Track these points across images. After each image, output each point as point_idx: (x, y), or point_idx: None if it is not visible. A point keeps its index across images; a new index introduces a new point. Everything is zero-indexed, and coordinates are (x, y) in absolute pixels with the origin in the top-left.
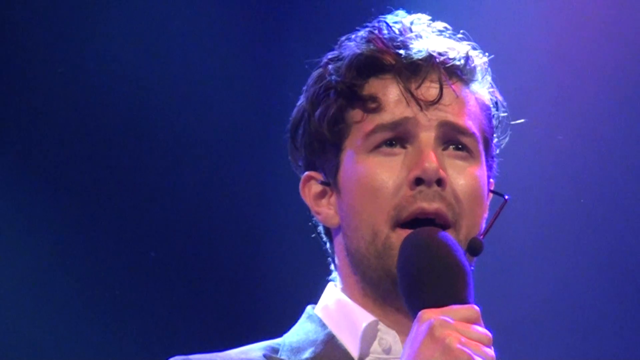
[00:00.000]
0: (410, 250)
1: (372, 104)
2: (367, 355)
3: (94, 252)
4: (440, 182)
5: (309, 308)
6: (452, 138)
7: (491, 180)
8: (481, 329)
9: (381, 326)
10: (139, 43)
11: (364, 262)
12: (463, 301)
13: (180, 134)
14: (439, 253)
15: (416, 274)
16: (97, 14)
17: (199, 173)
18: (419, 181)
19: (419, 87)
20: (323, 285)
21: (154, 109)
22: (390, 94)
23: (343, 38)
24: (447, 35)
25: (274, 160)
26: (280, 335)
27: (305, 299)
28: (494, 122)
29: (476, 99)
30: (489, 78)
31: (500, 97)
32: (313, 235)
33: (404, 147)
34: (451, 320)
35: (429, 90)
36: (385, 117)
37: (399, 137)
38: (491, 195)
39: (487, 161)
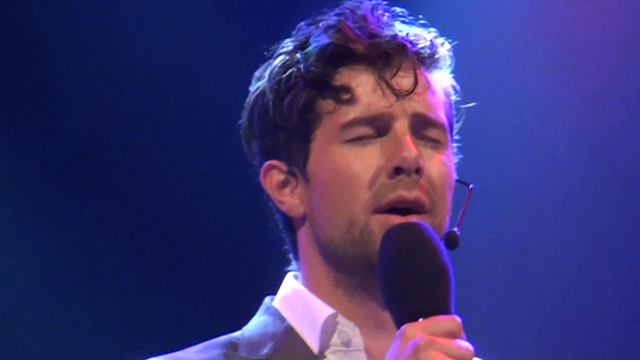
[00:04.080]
0: (393, 249)
1: (345, 95)
2: (327, 348)
3: (88, 251)
4: (419, 170)
5: (267, 300)
6: (424, 129)
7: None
8: (464, 344)
9: (340, 318)
10: (139, 42)
11: (338, 252)
12: (447, 310)
13: (176, 135)
14: (424, 255)
15: (399, 280)
16: (97, 12)
17: (194, 172)
18: (398, 170)
19: (393, 76)
20: (282, 276)
21: (151, 106)
22: (364, 84)
23: (302, 24)
24: (408, 21)
25: None
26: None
27: (266, 289)
28: (453, 106)
29: (442, 86)
30: (450, 64)
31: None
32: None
33: (379, 136)
34: (436, 339)
35: (404, 79)
36: (362, 109)
37: (374, 129)
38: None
39: (453, 147)
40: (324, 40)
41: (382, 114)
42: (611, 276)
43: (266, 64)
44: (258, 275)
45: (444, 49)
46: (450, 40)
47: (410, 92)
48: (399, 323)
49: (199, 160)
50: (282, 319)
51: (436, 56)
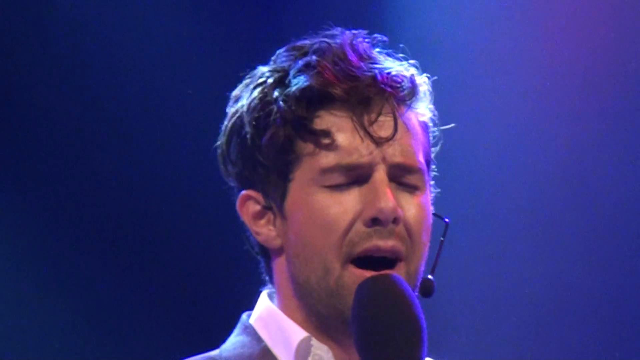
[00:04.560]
0: (366, 303)
1: (325, 140)
2: None
3: (83, 252)
4: (396, 220)
5: (244, 317)
6: (403, 177)
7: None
8: None
9: (314, 342)
10: (138, 43)
11: (313, 296)
12: None
13: (173, 140)
14: (396, 309)
15: (373, 334)
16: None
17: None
18: (375, 220)
19: (373, 122)
20: (257, 289)
21: (149, 103)
22: (344, 130)
23: (281, 51)
24: (387, 51)
25: None
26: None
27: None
28: (431, 137)
29: (420, 121)
30: (429, 96)
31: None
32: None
33: (358, 183)
34: None
35: (383, 125)
36: (341, 156)
37: (353, 176)
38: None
39: (430, 181)
40: (304, 82)
41: (361, 163)
42: (606, 278)
43: (243, 85)
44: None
45: (424, 82)
46: (428, 74)
47: (389, 139)
48: None
49: (190, 161)
50: (259, 339)
51: (417, 93)
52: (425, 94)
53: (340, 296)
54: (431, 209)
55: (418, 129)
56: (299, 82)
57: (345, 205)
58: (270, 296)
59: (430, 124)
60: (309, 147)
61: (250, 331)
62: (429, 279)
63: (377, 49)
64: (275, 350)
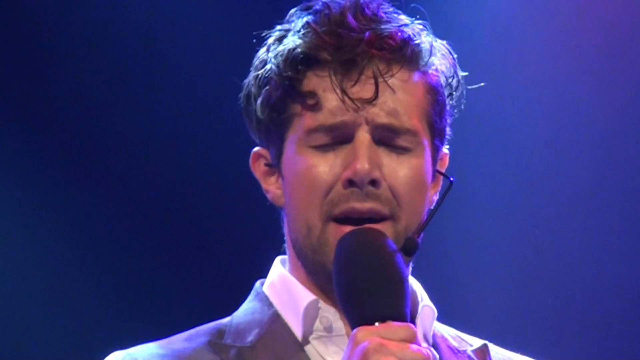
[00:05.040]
0: (344, 256)
1: (310, 101)
2: (310, 333)
3: (86, 247)
4: (374, 182)
5: (257, 284)
6: (389, 139)
7: (444, 153)
8: (416, 348)
9: (321, 304)
10: (138, 42)
11: (302, 254)
12: (400, 314)
13: (179, 133)
14: (376, 262)
15: (352, 285)
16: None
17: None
18: (351, 182)
19: (354, 84)
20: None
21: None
22: (328, 92)
23: (295, 10)
24: (391, 14)
25: None
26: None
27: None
28: (448, 100)
29: (421, 84)
30: (436, 58)
31: (449, 69)
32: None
33: (342, 144)
34: (386, 343)
35: (365, 87)
36: (325, 117)
37: (336, 137)
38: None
39: (434, 143)
40: (293, 43)
41: (344, 123)
42: (611, 275)
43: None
44: (253, 261)
45: (425, 42)
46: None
47: (370, 101)
48: (354, 328)
49: (193, 152)
50: (270, 305)
51: (409, 54)
52: (426, 54)
53: (323, 252)
54: (430, 168)
55: (414, 91)
56: (288, 43)
57: (327, 165)
58: (283, 262)
59: (441, 85)
60: (297, 107)
61: (262, 297)
62: (412, 238)
63: (391, 9)
64: (285, 314)
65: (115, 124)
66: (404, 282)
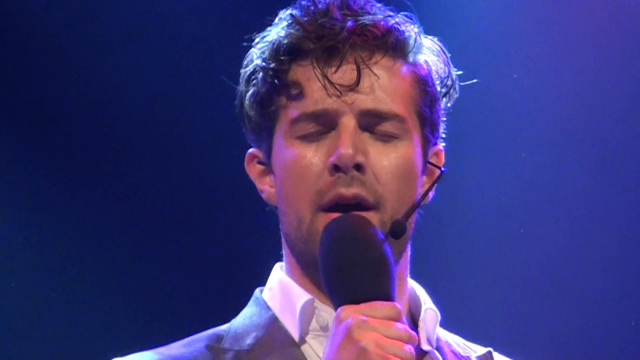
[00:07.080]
0: (329, 240)
1: (294, 91)
2: (307, 333)
3: (87, 249)
4: (359, 167)
5: (256, 291)
6: (374, 124)
7: (439, 149)
8: (401, 326)
9: (317, 303)
10: (138, 42)
11: (294, 247)
12: (385, 295)
13: (178, 136)
14: (359, 244)
15: (335, 268)
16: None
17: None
18: (336, 168)
19: (335, 71)
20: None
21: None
22: (312, 81)
23: (284, 10)
24: (379, 8)
25: None
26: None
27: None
28: (439, 88)
29: (409, 74)
30: (426, 52)
31: (441, 66)
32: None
33: (328, 132)
34: (370, 320)
35: (346, 73)
36: (308, 105)
37: (321, 125)
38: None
39: (424, 134)
40: (277, 35)
41: (326, 110)
42: (612, 276)
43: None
44: (254, 270)
45: (411, 32)
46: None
47: (352, 87)
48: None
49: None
50: (267, 309)
51: (394, 43)
52: (412, 44)
53: (313, 242)
54: (420, 157)
55: (399, 80)
56: (273, 36)
57: (314, 155)
58: (281, 267)
59: (430, 76)
60: (282, 99)
61: (260, 302)
62: (399, 221)
63: (379, 5)
64: (282, 316)
65: (117, 126)
66: (389, 263)
